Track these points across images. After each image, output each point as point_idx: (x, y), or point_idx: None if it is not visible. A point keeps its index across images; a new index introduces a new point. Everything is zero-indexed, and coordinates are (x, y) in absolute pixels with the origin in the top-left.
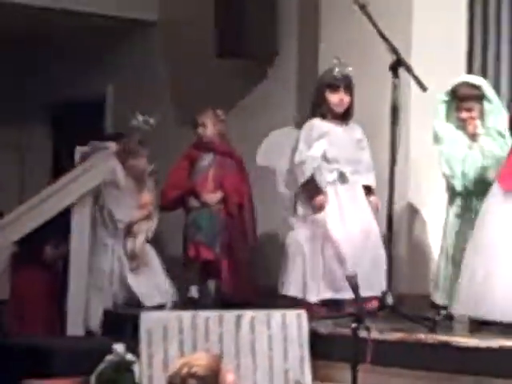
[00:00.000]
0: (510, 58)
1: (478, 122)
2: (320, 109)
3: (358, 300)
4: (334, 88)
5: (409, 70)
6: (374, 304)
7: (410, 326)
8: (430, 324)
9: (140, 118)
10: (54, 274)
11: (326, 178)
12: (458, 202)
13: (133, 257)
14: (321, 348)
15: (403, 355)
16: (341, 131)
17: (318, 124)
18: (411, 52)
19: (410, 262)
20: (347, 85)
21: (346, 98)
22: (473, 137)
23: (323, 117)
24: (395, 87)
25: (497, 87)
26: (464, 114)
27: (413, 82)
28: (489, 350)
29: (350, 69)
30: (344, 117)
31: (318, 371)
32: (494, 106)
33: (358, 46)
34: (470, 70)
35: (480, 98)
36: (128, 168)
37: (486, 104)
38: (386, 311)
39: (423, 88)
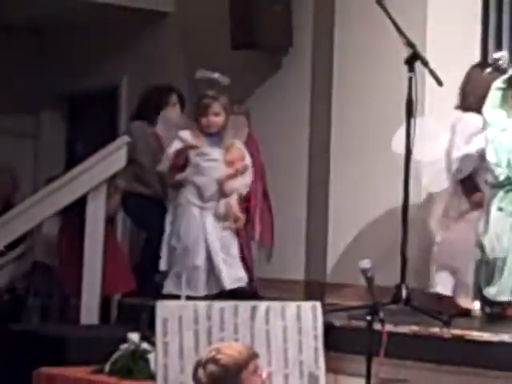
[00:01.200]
0: None
1: None
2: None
3: (373, 292)
4: None
5: (425, 63)
6: None
7: (424, 320)
8: (445, 318)
9: (216, 74)
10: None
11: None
12: (501, 194)
13: (226, 217)
14: (335, 340)
15: (417, 348)
16: None
17: (473, 119)
18: (426, 47)
19: (422, 256)
20: None
21: None
22: None
23: (476, 111)
24: (411, 81)
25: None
26: None
27: (428, 76)
28: (503, 344)
29: None
30: None
31: (331, 363)
32: None
33: (374, 40)
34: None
35: None
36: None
37: None
38: (400, 304)
39: (439, 82)
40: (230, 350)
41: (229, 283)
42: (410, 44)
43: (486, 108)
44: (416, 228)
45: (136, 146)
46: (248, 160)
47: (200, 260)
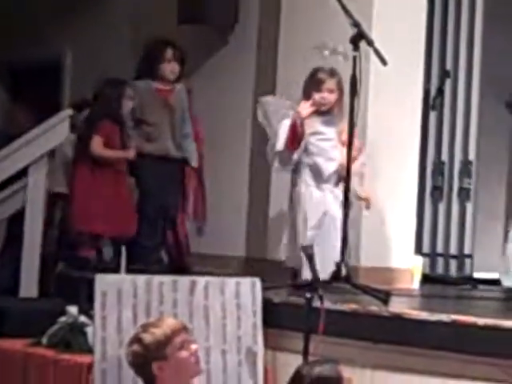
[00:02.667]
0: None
1: None
2: None
3: (313, 270)
4: None
5: (370, 43)
6: None
7: (363, 298)
8: (383, 296)
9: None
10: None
11: None
12: None
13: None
14: (274, 317)
15: (356, 326)
16: None
17: None
18: (372, 27)
19: (364, 234)
20: None
21: None
22: None
23: None
24: (355, 60)
25: (455, 60)
26: None
27: (372, 56)
28: (440, 323)
29: None
30: None
31: (270, 340)
32: None
33: (320, 18)
34: (429, 47)
35: None
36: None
37: None
38: (339, 282)
39: (384, 62)
40: (155, 327)
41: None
42: (355, 24)
43: None
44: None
45: (142, 105)
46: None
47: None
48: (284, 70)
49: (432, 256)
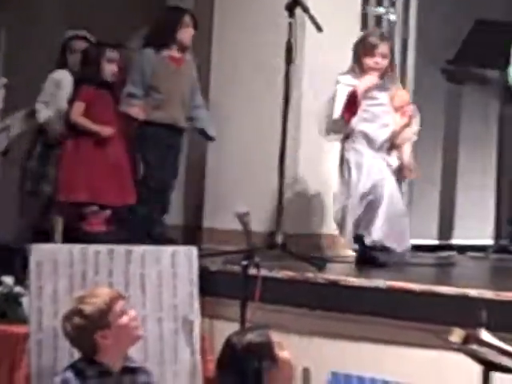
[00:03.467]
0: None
1: None
2: None
3: (248, 237)
4: None
5: (305, 9)
6: None
7: (299, 265)
8: (320, 263)
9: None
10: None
11: None
12: None
13: (400, 170)
14: (211, 285)
15: (292, 293)
16: None
17: None
18: None
19: (299, 201)
20: None
21: None
22: None
23: None
24: (291, 27)
25: (392, 25)
26: None
27: (308, 23)
28: (376, 289)
29: None
30: None
31: (207, 308)
32: None
33: None
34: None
35: None
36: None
37: None
38: (276, 250)
39: (319, 28)
40: (93, 297)
41: None
42: None
43: None
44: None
45: (154, 72)
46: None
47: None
48: (219, 39)
49: None
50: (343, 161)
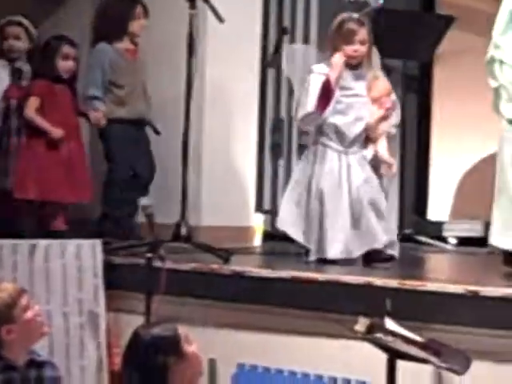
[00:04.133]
0: None
1: None
2: None
3: (152, 229)
4: None
5: (206, 0)
6: None
7: (204, 257)
8: (225, 254)
9: None
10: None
11: None
12: None
13: (378, 164)
14: (115, 278)
15: (198, 285)
16: None
17: None
18: None
19: (205, 192)
20: None
21: None
22: None
23: None
24: (192, 18)
25: (293, 17)
26: None
27: (210, 14)
28: (280, 280)
29: None
30: None
31: (112, 301)
32: None
33: None
34: (266, 4)
35: None
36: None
37: None
38: (181, 241)
39: (220, 19)
40: None
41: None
42: None
43: (494, 32)
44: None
45: (112, 67)
46: (394, 95)
47: (344, 219)
48: None
49: (273, 213)
50: (310, 153)
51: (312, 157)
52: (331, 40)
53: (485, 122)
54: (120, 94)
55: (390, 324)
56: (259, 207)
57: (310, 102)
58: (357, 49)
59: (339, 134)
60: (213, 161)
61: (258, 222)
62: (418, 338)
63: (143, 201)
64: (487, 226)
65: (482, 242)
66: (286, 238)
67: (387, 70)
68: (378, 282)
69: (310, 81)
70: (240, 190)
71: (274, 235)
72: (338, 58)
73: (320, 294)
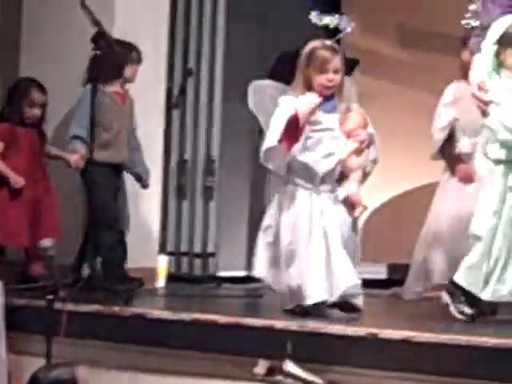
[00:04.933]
0: (212, 31)
1: None
2: None
3: (52, 271)
4: None
5: (109, 43)
6: None
7: (106, 299)
8: (125, 296)
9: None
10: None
11: None
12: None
13: (351, 204)
14: (17, 320)
15: (98, 327)
16: None
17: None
18: (114, 25)
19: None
20: None
21: None
22: None
23: None
24: None
25: (198, 58)
26: None
27: None
28: (182, 322)
29: None
30: None
31: (14, 344)
32: None
33: (61, 17)
34: (172, 45)
35: None
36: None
37: None
38: (82, 284)
39: (97, 24)
40: None
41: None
42: (95, 22)
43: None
44: None
45: (99, 108)
46: (371, 128)
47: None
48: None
49: (177, 255)
50: (280, 194)
51: (282, 198)
52: (302, 69)
53: (392, 165)
54: (106, 137)
55: (290, 366)
56: (163, 249)
57: (272, 137)
58: (331, 78)
59: (308, 172)
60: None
61: (161, 264)
62: (318, 381)
63: (44, 243)
64: (390, 268)
65: (385, 284)
66: (189, 279)
67: None
68: (279, 324)
69: (275, 114)
70: (144, 231)
71: (177, 277)
72: (314, 98)
73: (221, 337)
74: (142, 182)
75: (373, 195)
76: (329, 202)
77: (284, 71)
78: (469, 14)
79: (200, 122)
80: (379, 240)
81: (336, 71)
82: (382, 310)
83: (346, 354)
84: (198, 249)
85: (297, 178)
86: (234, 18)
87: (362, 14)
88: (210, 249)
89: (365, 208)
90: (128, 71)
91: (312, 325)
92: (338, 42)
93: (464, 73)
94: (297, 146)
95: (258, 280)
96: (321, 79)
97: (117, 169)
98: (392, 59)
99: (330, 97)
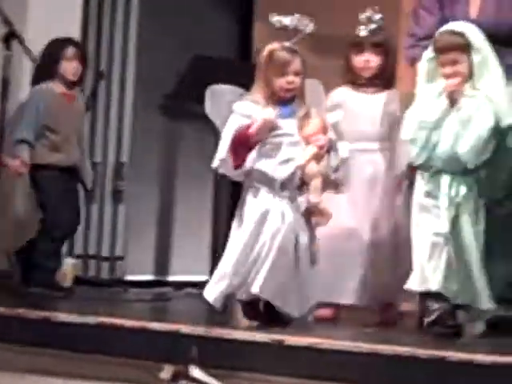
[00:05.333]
0: (124, 33)
1: (458, 80)
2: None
3: None
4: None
5: (21, 41)
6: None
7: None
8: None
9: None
10: None
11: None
12: (427, 177)
13: (310, 212)
14: None
15: (4, 330)
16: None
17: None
18: (26, 26)
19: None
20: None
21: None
22: (451, 98)
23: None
24: (7, 60)
25: (110, 61)
26: (447, 69)
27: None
28: (87, 326)
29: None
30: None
31: None
32: (484, 60)
33: None
34: (84, 44)
35: (465, 48)
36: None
37: (474, 57)
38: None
39: (33, 61)
40: None
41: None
42: (6, 21)
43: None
44: None
45: (47, 110)
46: (332, 133)
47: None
48: None
49: (84, 258)
50: (242, 201)
51: (244, 205)
52: (261, 72)
53: None
54: (54, 140)
55: (195, 372)
56: (70, 252)
57: (220, 150)
58: (291, 80)
59: (267, 178)
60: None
61: (69, 266)
62: None
63: None
64: None
65: None
66: (96, 283)
67: (201, 117)
68: (185, 329)
69: (228, 122)
70: None
71: (85, 280)
72: (270, 114)
73: (126, 341)
74: (84, 185)
75: None
76: (289, 209)
77: (199, 76)
78: (363, 19)
79: (111, 125)
80: None
81: (296, 73)
82: None
83: (251, 360)
84: (105, 252)
85: (257, 183)
86: (147, 20)
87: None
88: (118, 252)
89: (328, 217)
90: (63, 69)
91: (218, 330)
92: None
93: (351, 77)
94: (251, 155)
95: (165, 284)
96: (281, 82)
97: (68, 172)
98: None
99: (288, 101)
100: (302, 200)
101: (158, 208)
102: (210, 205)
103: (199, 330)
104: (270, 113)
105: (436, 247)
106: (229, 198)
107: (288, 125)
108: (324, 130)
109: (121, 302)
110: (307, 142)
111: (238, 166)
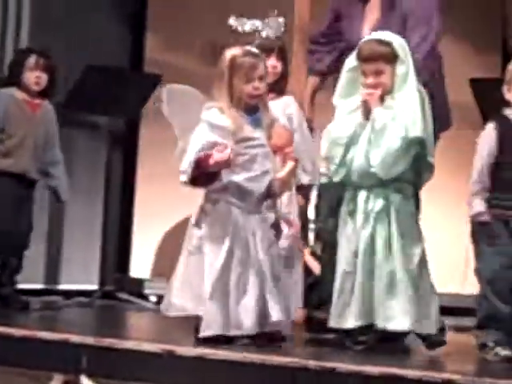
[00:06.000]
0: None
1: (378, 92)
2: None
3: None
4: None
5: None
6: None
7: None
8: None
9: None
10: None
11: None
12: (347, 195)
13: (277, 228)
14: None
15: None
16: None
17: None
18: None
19: None
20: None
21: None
22: (366, 109)
23: None
24: None
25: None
26: (370, 80)
27: None
28: None
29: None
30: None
31: None
32: (407, 72)
33: None
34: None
35: (391, 58)
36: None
37: (399, 68)
38: None
39: None
40: None
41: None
42: None
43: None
44: None
45: (5, 115)
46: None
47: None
48: None
49: None
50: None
51: (211, 212)
52: (225, 79)
53: None
54: (8, 145)
55: (85, 382)
56: None
57: (184, 162)
58: (257, 86)
59: (242, 191)
60: None
61: None
62: None
63: None
64: None
65: None
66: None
67: (93, 127)
68: (75, 338)
69: (195, 134)
70: None
71: None
72: (227, 151)
73: (16, 350)
74: (58, 196)
75: (172, 212)
76: (259, 225)
77: (91, 84)
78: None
79: None
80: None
81: (261, 78)
82: (178, 327)
83: (142, 370)
84: None
85: (230, 196)
86: (37, 29)
87: (166, 31)
88: None
89: (297, 229)
90: (26, 78)
91: (108, 340)
92: None
93: None
94: (226, 171)
95: (55, 293)
96: (248, 88)
97: (21, 179)
98: (193, 73)
99: (254, 108)
100: (270, 214)
101: (48, 217)
102: (100, 214)
103: (89, 340)
104: (227, 151)
105: (348, 276)
106: (118, 208)
107: (259, 135)
108: (290, 141)
109: (10, 311)
110: (275, 152)
111: (205, 183)
